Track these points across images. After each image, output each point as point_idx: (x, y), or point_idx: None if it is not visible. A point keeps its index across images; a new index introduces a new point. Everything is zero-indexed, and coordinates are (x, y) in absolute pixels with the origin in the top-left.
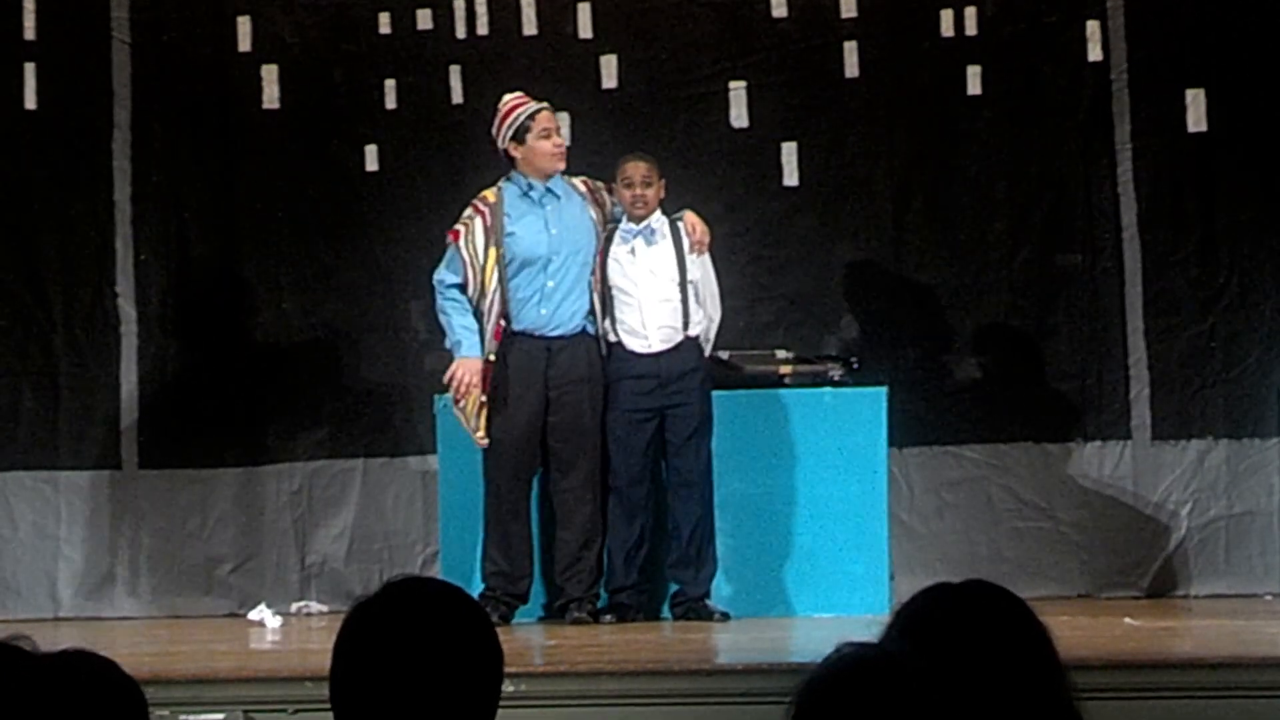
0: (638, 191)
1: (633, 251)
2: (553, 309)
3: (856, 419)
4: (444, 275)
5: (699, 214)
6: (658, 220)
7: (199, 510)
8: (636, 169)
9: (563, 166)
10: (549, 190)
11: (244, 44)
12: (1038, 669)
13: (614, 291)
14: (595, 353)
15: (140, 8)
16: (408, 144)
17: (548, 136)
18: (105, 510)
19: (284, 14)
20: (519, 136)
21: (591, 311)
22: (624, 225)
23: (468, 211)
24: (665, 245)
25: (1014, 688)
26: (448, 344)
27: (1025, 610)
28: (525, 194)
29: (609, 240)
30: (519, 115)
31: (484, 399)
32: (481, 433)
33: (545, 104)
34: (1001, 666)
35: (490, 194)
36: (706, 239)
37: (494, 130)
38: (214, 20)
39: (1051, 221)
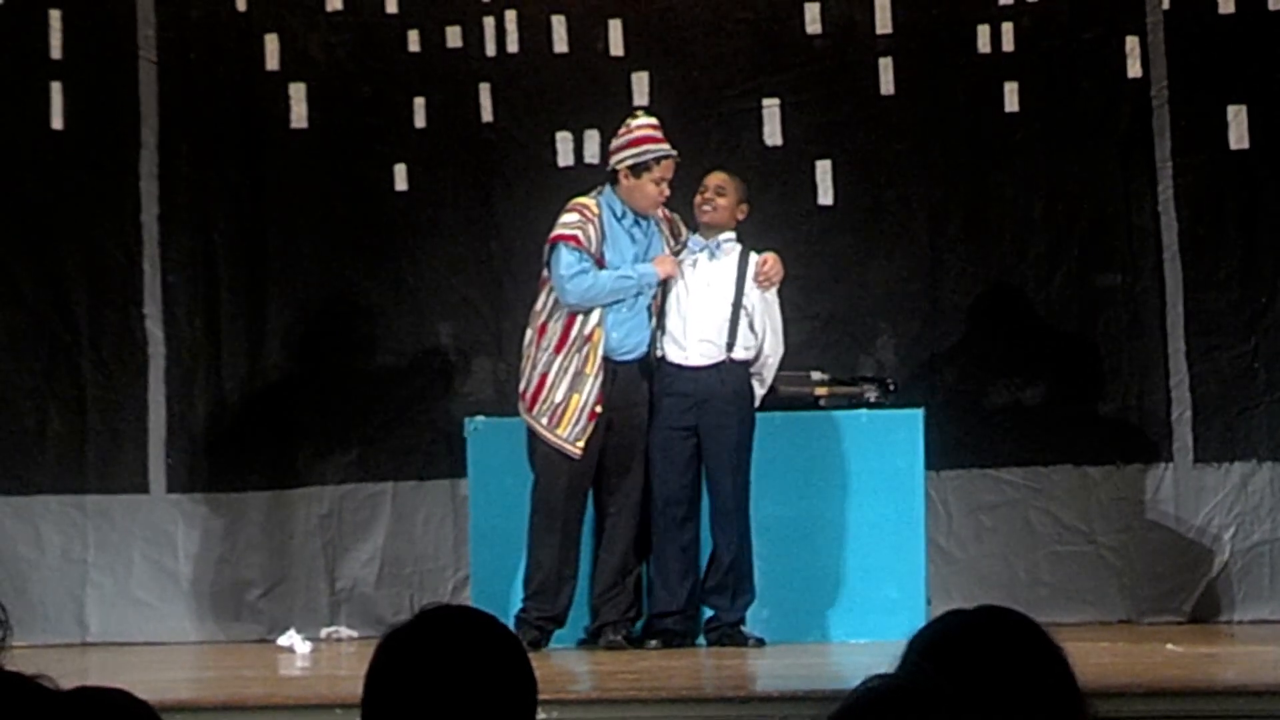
0: (707, 195)
1: (694, 264)
2: (622, 334)
3: (893, 441)
4: (576, 267)
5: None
6: (728, 240)
7: (228, 534)
8: (713, 177)
9: (657, 214)
10: (637, 221)
11: (272, 62)
12: (1057, 695)
13: (668, 301)
14: (649, 377)
15: (167, 26)
16: (437, 163)
17: (659, 184)
18: (133, 534)
19: (312, 32)
20: (637, 170)
21: (653, 337)
22: (694, 239)
23: (574, 217)
24: (728, 264)
25: (1034, 714)
26: (633, 287)
27: (1043, 636)
28: (619, 219)
29: (676, 254)
30: (649, 152)
31: (597, 409)
32: (583, 442)
33: (675, 153)
34: (1020, 693)
35: (592, 204)
36: (775, 279)
37: (614, 145)
38: (241, 39)
39: (1091, 241)
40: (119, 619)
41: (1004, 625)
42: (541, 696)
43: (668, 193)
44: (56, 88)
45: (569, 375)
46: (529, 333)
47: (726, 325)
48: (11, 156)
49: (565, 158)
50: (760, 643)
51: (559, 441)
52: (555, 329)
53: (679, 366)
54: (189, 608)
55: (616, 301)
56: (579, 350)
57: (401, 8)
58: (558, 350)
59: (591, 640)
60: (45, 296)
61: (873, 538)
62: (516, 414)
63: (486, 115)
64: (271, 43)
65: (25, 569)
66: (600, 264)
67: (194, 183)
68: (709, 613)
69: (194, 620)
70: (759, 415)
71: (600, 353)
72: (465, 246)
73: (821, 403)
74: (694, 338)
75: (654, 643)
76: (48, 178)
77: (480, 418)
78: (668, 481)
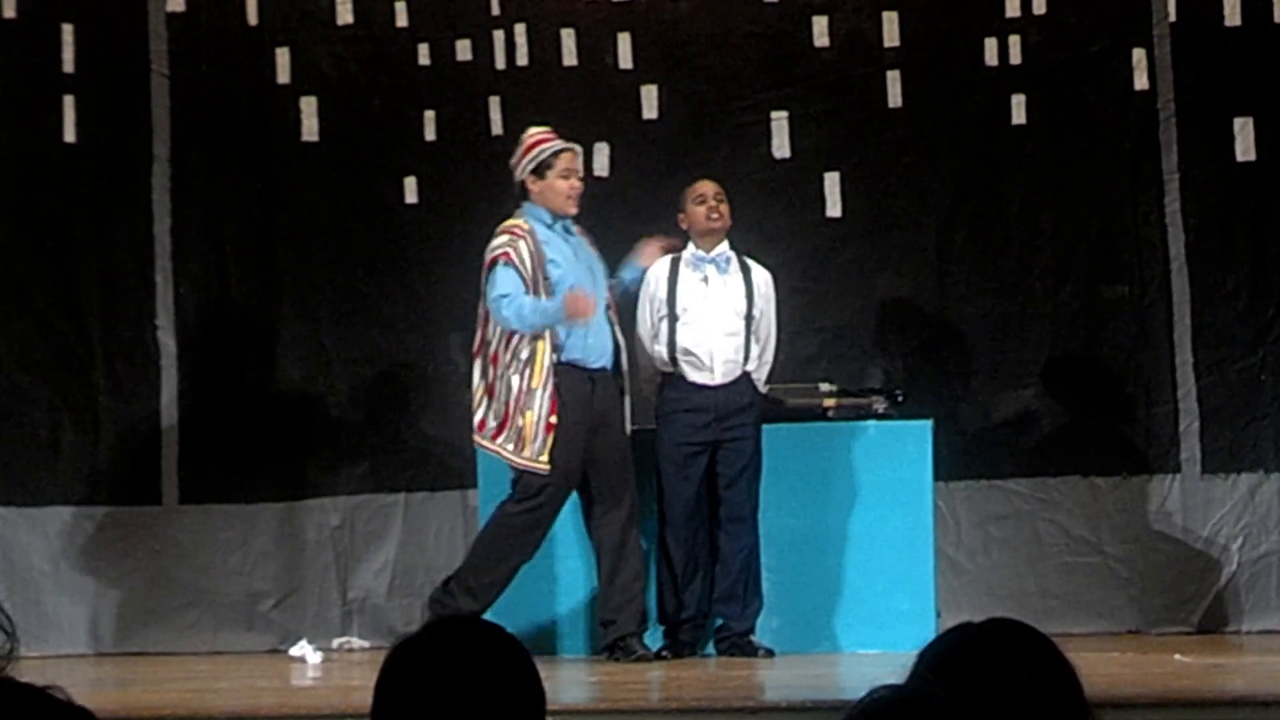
0: (711, 204)
1: (705, 280)
2: (595, 338)
3: (901, 452)
4: (507, 289)
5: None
6: (729, 250)
7: (240, 545)
8: (708, 185)
9: (575, 210)
10: (567, 228)
11: (283, 76)
12: (1064, 707)
13: (680, 320)
14: (617, 385)
15: (179, 40)
16: (447, 176)
17: (567, 178)
18: (146, 545)
19: (323, 46)
20: (540, 171)
21: (615, 345)
22: (694, 252)
23: (503, 239)
24: (736, 278)
25: None
26: (548, 319)
27: (1052, 648)
28: (549, 226)
29: (675, 266)
30: (544, 150)
31: (552, 420)
32: (546, 456)
33: (574, 146)
34: (1028, 705)
35: (521, 222)
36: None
37: (514, 159)
38: (253, 52)
39: (1098, 252)
40: (131, 630)
41: (1012, 638)
42: (550, 707)
43: (579, 185)
44: (69, 101)
45: (523, 394)
46: (478, 363)
47: (743, 340)
48: (24, 170)
49: None
50: (770, 653)
51: (525, 463)
52: (504, 352)
53: (698, 385)
54: (201, 618)
55: (535, 327)
56: (526, 368)
57: (412, 21)
58: (509, 369)
59: (618, 652)
60: (58, 308)
61: (882, 549)
62: None
63: (496, 128)
64: (282, 56)
65: (39, 580)
66: (542, 270)
67: (206, 195)
68: (718, 622)
69: (206, 631)
70: (768, 428)
71: (546, 364)
72: (476, 259)
73: (830, 414)
74: (720, 359)
75: (665, 652)
76: (60, 191)
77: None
78: (682, 495)
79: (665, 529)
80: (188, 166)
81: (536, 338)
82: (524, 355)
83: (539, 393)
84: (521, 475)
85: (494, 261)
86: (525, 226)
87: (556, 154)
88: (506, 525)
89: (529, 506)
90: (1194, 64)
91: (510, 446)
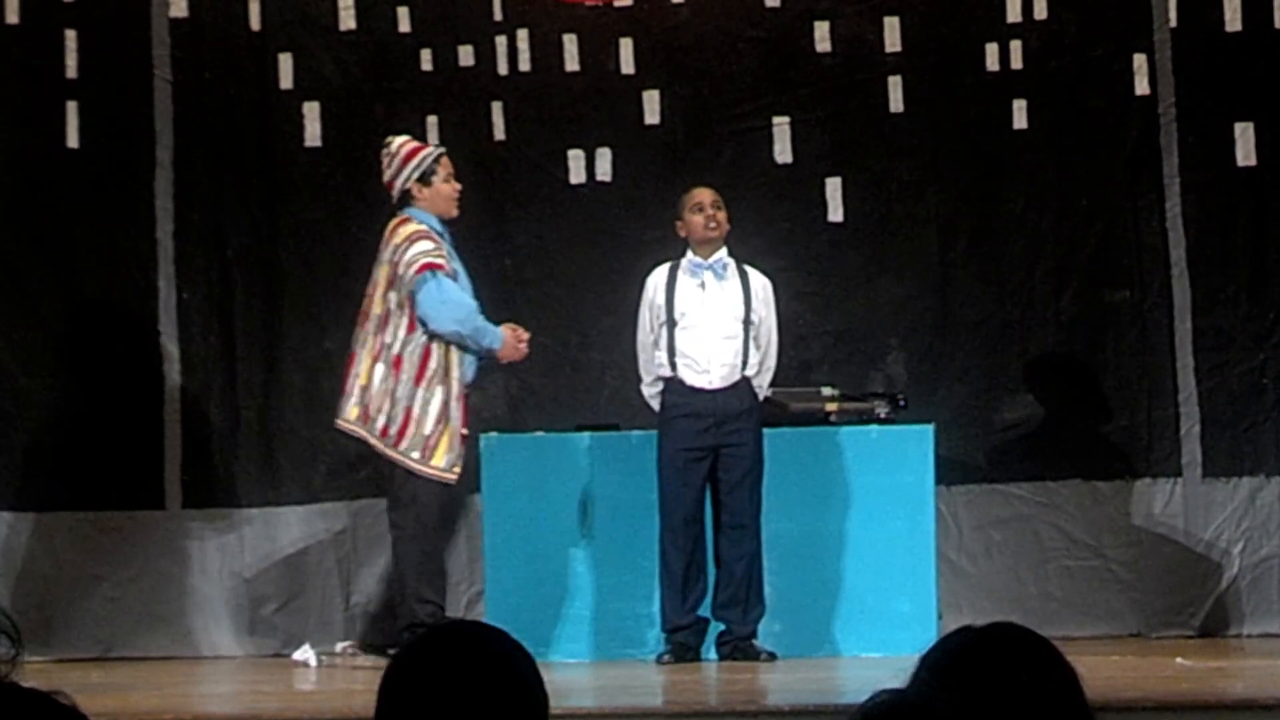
0: (709, 213)
1: (702, 285)
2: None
3: (903, 457)
4: (459, 298)
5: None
6: (726, 257)
7: (243, 550)
8: (706, 193)
9: (458, 213)
10: (452, 231)
11: (285, 81)
12: (1065, 711)
13: (678, 325)
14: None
15: (182, 45)
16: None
17: (449, 180)
18: (149, 550)
19: (325, 51)
20: (425, 178)
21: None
22: (691, 259)
23: (430, 245)
24: (734, 283)
25: None
26: (481, 345)
27: (1053, 652)
28: (440, 232)
29: (673, 273)
30: (426, 157)
31: (464, 432)
32: (458, 466)
33: (444, 148)
34: (1029, 709)
35: (424, 227)
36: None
37: (390, 170)
38: (256, 58)
39: (1099, 257)
40: (136, 634)
41: (1014, 641)
42: (553, 711)
43: (459, 186)
44: (72, 107)
45: (435, 406)
46: (380, 368)
47: (741, 345)
48: (27, 175)
49: (577, 175)
50: (772, 657)
51: (434, 472)
52: (411, 361)
53: (696, 389)
54: (205, 623)
55: (462, 346)
56: (441, 381)
57: (414, 27)
58: (416, 382)
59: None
60: (60, 313)
61: (883, 552)
62: (530, 429)
63: (499, 133)
64: (285, 62)
65: (43, 585)
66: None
67: (209, 200)
68: (719, 626)
69: (209, 635)
70: (770, 432)
71: (457, 376)
72: (478, 264)
73: (832, 419)
74: (717, 362)
75: (667, 657)
76: (63, 196)
77: (493, 434)
78: (683, 500)
79: (665, 534)
80: (190, 172)
81: (450, 350)
82: (438, 366)
83: (457, 404)
84: (409, 489)
85: (430, 268)
86: (433, 230)
87: (437, 159)
88: (417, 547)
89: (422, 520)
90: (1195, 69)
91: (416, 455)
